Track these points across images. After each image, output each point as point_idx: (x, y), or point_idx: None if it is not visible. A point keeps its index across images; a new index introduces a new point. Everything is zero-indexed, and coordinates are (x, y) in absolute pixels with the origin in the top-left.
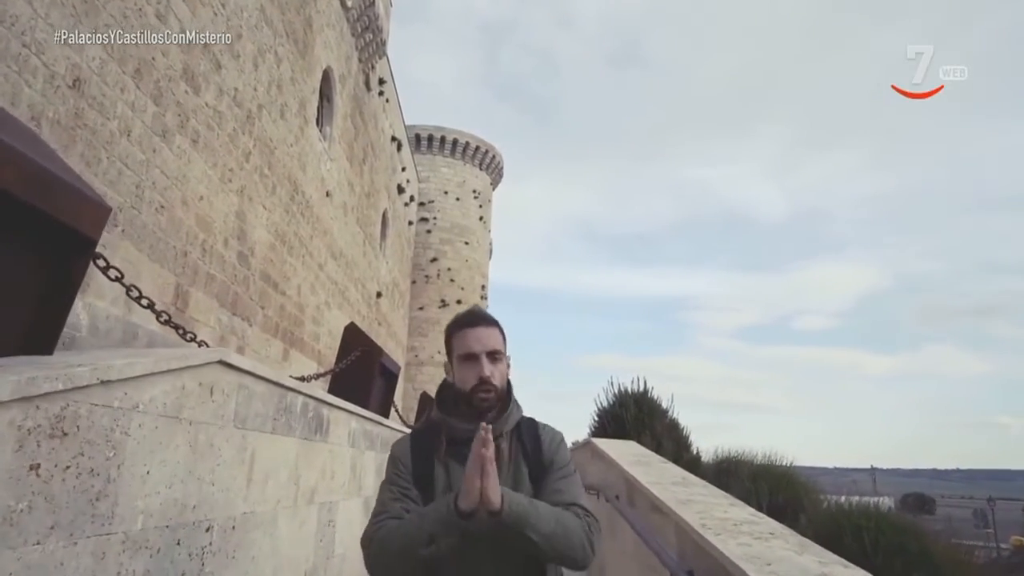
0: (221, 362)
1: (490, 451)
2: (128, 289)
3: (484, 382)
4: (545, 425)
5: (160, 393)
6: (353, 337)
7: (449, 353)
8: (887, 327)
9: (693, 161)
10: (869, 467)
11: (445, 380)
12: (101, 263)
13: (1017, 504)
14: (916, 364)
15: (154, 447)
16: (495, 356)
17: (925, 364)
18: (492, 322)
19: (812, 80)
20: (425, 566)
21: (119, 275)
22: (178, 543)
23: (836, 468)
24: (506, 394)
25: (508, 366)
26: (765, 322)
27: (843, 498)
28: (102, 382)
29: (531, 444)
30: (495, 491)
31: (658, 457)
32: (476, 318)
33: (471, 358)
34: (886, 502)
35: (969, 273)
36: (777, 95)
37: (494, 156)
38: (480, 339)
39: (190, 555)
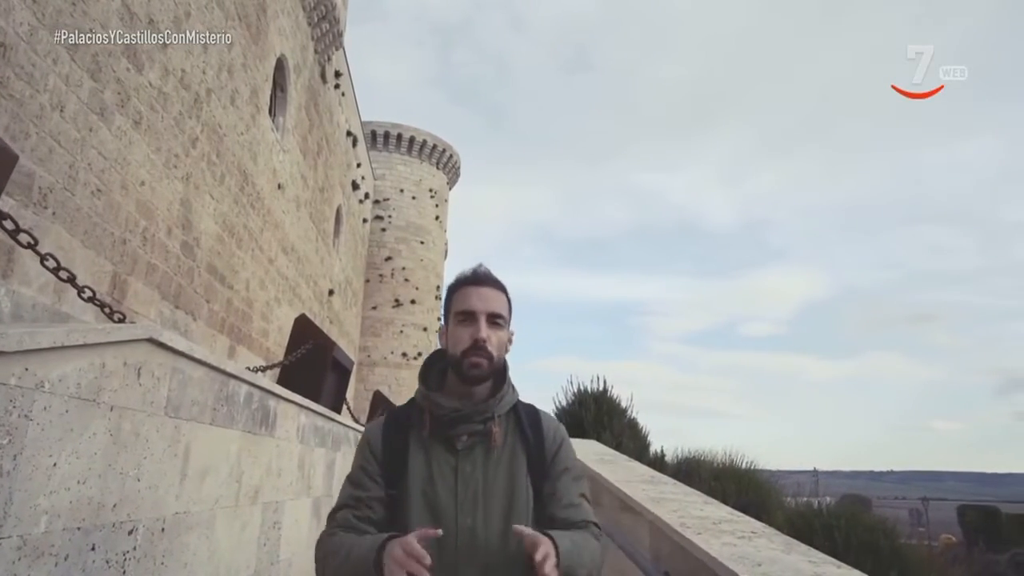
0: (151, 340)
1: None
2: (43, 257)
3: (478, 345)
4: (547, 414)
5: (73, 371)
6: (304, 329)
7: (446, 315)
8: (830, 334)
9: (645, 167)
10: (812, 469)
11: (435, 352)
12: (24, 238)
13: (948, 504)
14: (857, 369)
15: (64, 435)
16: (496, 321)
17: (865, 370)
18: (499, 285)
19: (763, 91)
20: None
21: (56, 264)
22: (92, 548)
23: (780, 471)
24: (502, 369)
25: (510, 341)
26: (714, 328)
27: (790, 499)
28: None
29: (532, 433)
30: (550, 565)
31: (623, 456)
32: (482, 277)
33: (469, 317)
34: (828, 502)
35: (907, 283)
36: (727, 106)
37: (451, 155)
38: (483, 297)
39: (108, 562)
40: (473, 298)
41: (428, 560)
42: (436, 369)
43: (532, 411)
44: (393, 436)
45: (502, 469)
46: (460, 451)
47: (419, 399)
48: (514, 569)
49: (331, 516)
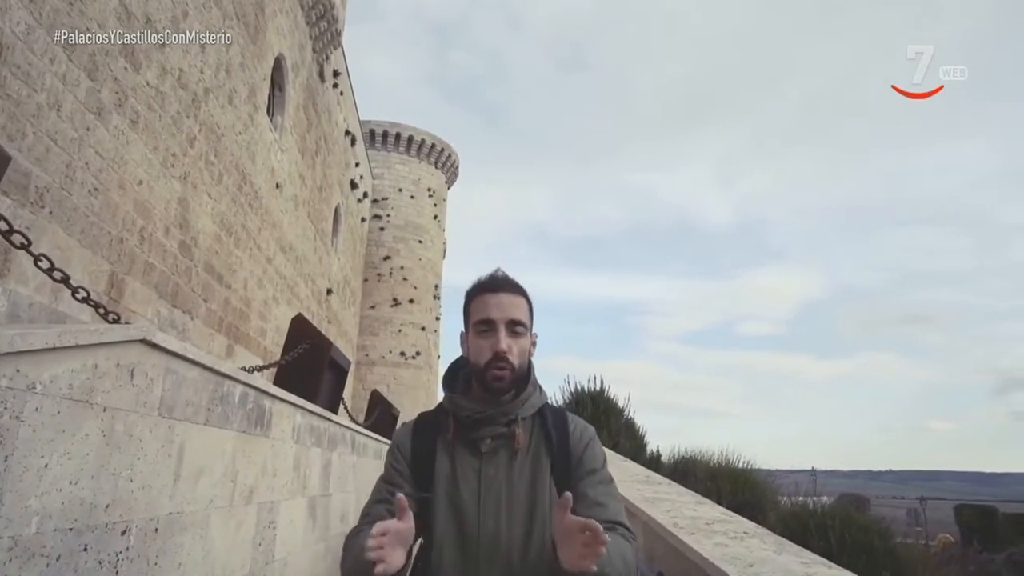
0: (144, 341)
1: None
2: (37, 258)
3: (499, 356)
4: (576, 416)
5: (65, 372)
6: (301, 329)
7: (466, 321)
8: (828, 334)
9: (641, 166)
10: (810, 469)
11: (459, 358)
12: (18, 238)
13: (945, 503)
14: (854, 369)
15: (55, 436)
16: (516, 328)
17: (863, 370)
18: (518, 289)
19: (760, 90)
20: None
21: (50, 264)
22: (85, 548)
23: (778, 470)
24: (526, 375)
25: (533, 344)
26: (712, 327)
27: (785, 498)
28: None
29: (557, 435)
30: (596, 553)
31: (619, 455)
32: (499, 282)
33: (488, 327)
34: (826, 501)
35: (903, 283)
36: (723, 105)
37: (450, 155)
38: (501, 305)
39: (100, 562)
40: (492, 307)
41: (387, 529)
42: (461, 374)
43: (559, 413)
44: (421, 440)
45: (526, 472)
46: (484, 454)
47: (445, 403)
48: (536, 572)
49: (364, 513)
